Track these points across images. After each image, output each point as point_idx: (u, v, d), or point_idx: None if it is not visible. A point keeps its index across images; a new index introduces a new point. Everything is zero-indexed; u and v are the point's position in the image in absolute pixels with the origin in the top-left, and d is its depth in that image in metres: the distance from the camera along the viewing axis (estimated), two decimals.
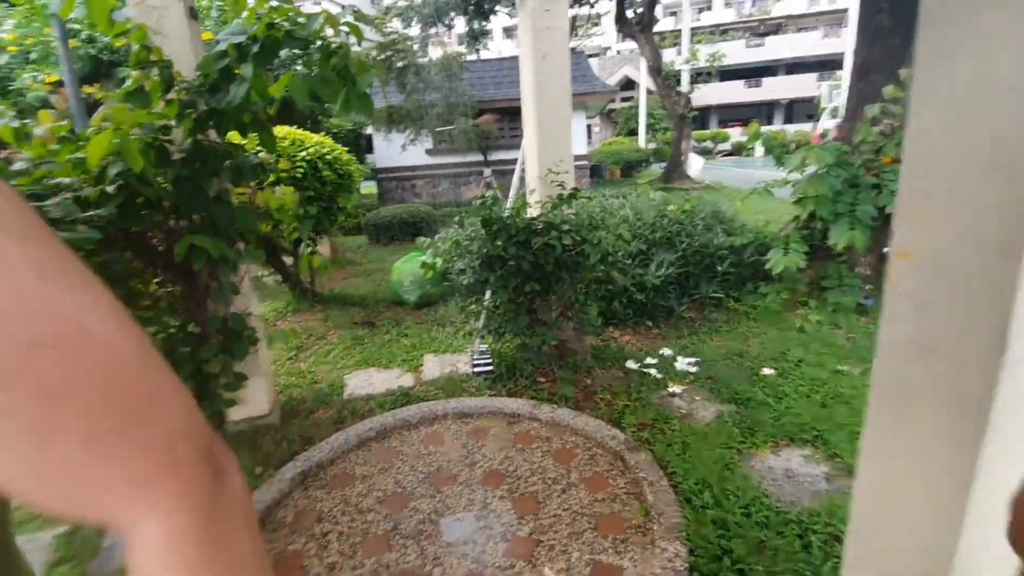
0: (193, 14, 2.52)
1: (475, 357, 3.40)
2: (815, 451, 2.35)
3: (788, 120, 35.38)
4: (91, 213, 1.91)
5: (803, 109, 33.96)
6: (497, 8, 17.46)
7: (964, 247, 0.92)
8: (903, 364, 1.06)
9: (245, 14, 2.01)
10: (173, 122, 2.15)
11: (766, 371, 3.09)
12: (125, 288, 2.25)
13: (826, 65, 32.97)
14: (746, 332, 3.74)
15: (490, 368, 3.28)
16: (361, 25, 2.01)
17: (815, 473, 2.20)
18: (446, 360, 3.60)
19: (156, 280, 2.58)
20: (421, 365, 3.57)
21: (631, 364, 3.24)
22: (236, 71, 1.99)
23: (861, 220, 3.69)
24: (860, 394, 2.72)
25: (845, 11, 29.55)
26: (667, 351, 3.44)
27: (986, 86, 0.85)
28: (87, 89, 2.69)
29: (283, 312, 4.92)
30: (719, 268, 4.25)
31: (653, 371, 3.16)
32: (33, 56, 7.17)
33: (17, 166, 2.11)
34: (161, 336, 2.49)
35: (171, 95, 2.09)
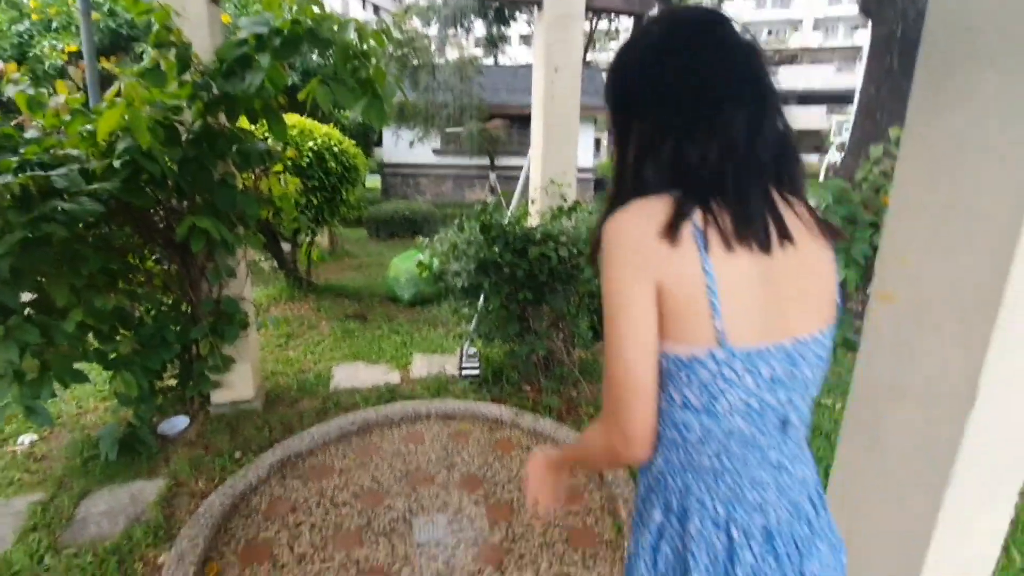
0: None
1: (463, 360, 3.41)
2: None
3: None
4: (96, 186, 1.92)
5: (810, 140, 34.19)
6: (516, 15, 17.60)
7: (943, 294, 0.95)
8: (875, 406, 1.09)
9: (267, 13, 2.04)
10: (185, 103, 2.17)
11: None
12: (121, 262, 2.26)
13: (838, 99, 33.27)
14: None
15: (477, 372, 3.29)
16: (384, 36, 2.04)
17: None
18: (434, 360, 3.61)
19: (153, 257, 2.59)
20: (409, 363, 3.58)
21: None
22: (254, 59, 2.01)
23: (855, 259, 3.74)
24: (838, 429, 2.75)
25: (860, 48, 29.91)
26: None
27: (973, 141, 0.88)
28: (104, 63, 2.70)
29: (276, 298, 4.92)
30: None
31: None
32: (55, 25, 7.19)
33: (29, 134, 2.13)
34: (152, 313, 2.50)
35: (186, 76, 2.11)
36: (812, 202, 0.73)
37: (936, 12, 0.92)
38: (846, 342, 3.94)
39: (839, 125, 18.10)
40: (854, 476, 1.16)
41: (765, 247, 0.64)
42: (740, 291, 0.63)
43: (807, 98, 35.38)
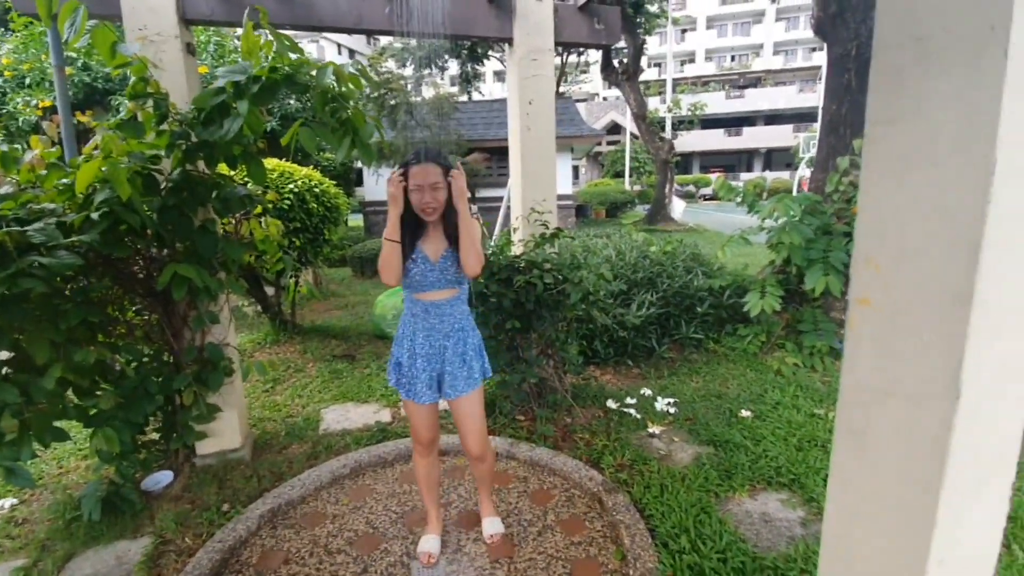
0: (191, 50, 2.60)
1: None
2: (791, 495, 2.35)
3: (767, 167, 36.77)
4: (73, 239, 1.90)
5: (781, 158, 35.34)
6: (490, 53, 18.17)
7: (917, 295, 0.97)
8: (864, 408, 1.09)
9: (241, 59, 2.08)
10: (163, 152, 2.18)
11: (744, 413, 3.11)
12: (101, 315, 2.22)
13: (803, 117, 34.54)
14: (725, 374, 3.78)
15: None
16: (361, 79, 2.10)
17: (791, 518, 2.20)
18: None
19: (134, 308, 2.55)
20: (400, 400, 3.52)
21: (611, 404, 3.24)
22: (232, 106, 2.04)
23: (834, 266, 3.82)
24: (831, 438, 2.75)
25: (819, 67, 31.31)
26: (647, 391, 3.45)
27: (932, 147, 0.92)
28: (80, 117, 2.71)
29: (261, 343, 4.85)
30: (699, 309, 4.33)
31: (633, 411, 3.16)
32: (28, 81, 7.18)
33: (3, 190, 2.11)
34: (134, 365, 2.44)
35: (164, 126, 2.13)
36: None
37: (885, 23, 0.97)
38: (832, 351, 3.99)
39: (806, 141, 18.77)
40: (850, 480, 1.16)
41: None
42: None
43: (774, 118, 36.74)
